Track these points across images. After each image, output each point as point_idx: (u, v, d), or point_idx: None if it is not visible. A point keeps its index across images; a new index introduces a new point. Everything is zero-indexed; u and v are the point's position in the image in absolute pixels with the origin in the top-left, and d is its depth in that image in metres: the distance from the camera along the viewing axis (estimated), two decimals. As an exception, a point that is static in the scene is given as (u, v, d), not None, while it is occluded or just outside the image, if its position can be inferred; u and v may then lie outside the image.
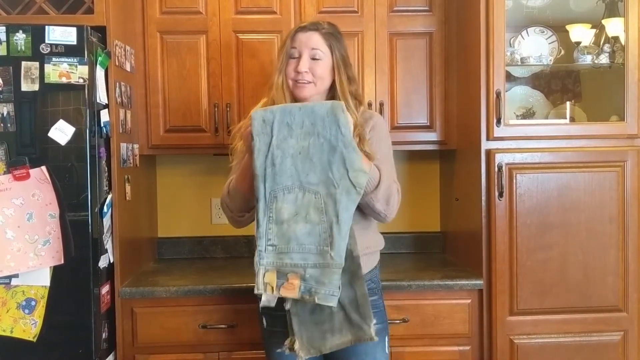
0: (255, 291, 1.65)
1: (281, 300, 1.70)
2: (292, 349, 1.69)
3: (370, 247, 1.89)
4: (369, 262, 1.88)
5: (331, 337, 1.70)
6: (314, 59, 1.83)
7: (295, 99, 1.87)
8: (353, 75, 1.90)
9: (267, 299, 1.66)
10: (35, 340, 2.01)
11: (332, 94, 1.88)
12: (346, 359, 1.82)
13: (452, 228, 2.73)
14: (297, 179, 1.65)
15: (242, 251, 2.78)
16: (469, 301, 2.28)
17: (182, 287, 2.23)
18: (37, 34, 1.98)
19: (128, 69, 2.36)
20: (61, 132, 1.99)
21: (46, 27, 1.99)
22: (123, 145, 2.27)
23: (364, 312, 1.69)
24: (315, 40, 1.83)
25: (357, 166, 1.64)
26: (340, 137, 1.63)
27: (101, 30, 2.14)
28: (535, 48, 2.55)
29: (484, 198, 2.28)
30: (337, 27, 1.90)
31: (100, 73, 2.08)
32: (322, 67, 1.83)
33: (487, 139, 2.28)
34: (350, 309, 1.69)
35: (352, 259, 1.68)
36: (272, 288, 1.64)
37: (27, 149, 1.99)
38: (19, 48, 1.98)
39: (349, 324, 1.70)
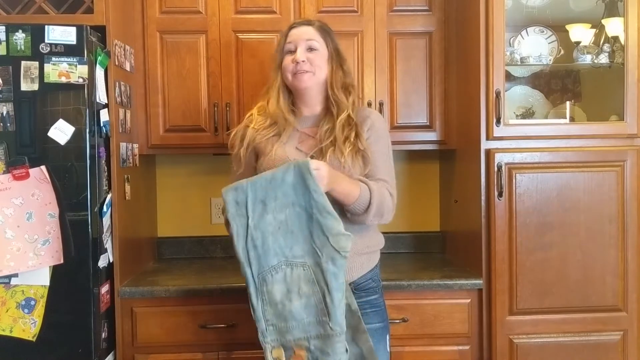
0: None
1: None
2: None
3: (371, 247, 1.89)
4: (369, 261, 1.89)
5: None
6: (310, 49, 1.85)
7: (294, 91, 1.88)
8: (348, 69, 1.92)
9: None
10: (34, 339, 2.01)
11: (326, 88, 1.89)
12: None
13: (452, 228, 2.73)
14: (282, 255, 1.66)
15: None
16: (469, 301, 2.28)
17: (181, 286, 2.23)
18: (36, 34, 1.98)
19: (128, 68, 2.36)
20: (61, 132, 1.99)
21: (46, 26, 1.99)
22: (123, 144, 2.27)
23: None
24: (310, 33, 1.86)
25: (336, 231, 1.63)
26: (313, 204, 1.62)
27: (101, 30, 2.14)
28: (535, 48, 2.55)
29: (483, 198, 2.28)
30: (327, 25, 1.93)
31: (99, 73, 2.08)
32: (320, 56, 1.85)
33: (487, 138, 2.28)
34: None
35: (351, 313, 1.69)
36: None
37: (27, 149, 2.00)
38: (19, 48, 1.98)
39: None
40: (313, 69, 1.84)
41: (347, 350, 1.65)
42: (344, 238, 1.63)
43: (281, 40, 1.90)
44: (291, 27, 1.90)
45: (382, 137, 1.90)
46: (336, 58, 1.89)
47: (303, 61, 1.83)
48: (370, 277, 1.87)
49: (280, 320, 1.66)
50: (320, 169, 1.65)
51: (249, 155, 1.90)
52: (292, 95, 1.92)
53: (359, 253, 1.83)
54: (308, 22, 1.90)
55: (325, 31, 1.89)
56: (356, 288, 1.84)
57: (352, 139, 1.81)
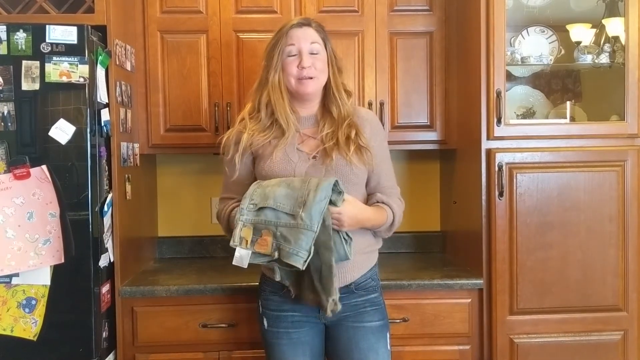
0: (231, 243, 1.70)
1: (280, 302, 1.78)
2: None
3: (370, 246, 1.90)
4: (368, 260, 1.90)
5: (305, 292, 1.76)
6: (312, 53, 1.83)
7: (295, 96, 1.87)
8: (341, 68, 1.93)
9: (240, 255, 1.69)
10: (35, 339, 2.01)
11: (325, 87, 1.89)
12: (349, 355, 1.83)
13: (452, 227, 2.73)
14: None
15: (242, 250, 2.78)
16: (469, 301, 2.28)
17: (182, 286, 2.23)
18: (37, 33, 1.98)
19: (128, 68, 2.36)
20: (62, 131, 1.99)
21: (47, 26, 1.99)
22: (123, 144, 2.27)
23: (325, 283, 1.71)
24: (312, 36, 1.84)
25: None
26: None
27: (102, 30, 2.14)
28: (536, 47, 2.55)
29: (484, 197, 2.28)
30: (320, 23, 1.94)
31: (100, 72, 2.08)
32: (322, 60, 1.85)
33: (488, 138, 2.28)
34: (314, 276, 1.72)
35: (324, 228, 1.69)
36: (247, 242, 1.69)
37: (28, 148, 2.00)
38: (20, 47, 1.98)
39: (312, 291, 1.74)
40: (317, 74, 1.83)
41: (310, 252, 1.65)
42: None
43: (280, 40, 1.84)
44: (292, 27, 1.84)
45: (383, 140, 1.94)
46: (334, 60, 1.89)
47: (309, 67, 1.81)
48: (370, 276, 1.88)
49: (262, 199, 1.70)
50: (341, 216, 1.71)
51: (245, 160, 1.88)
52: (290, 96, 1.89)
53: (359, 252, 1.83)
54: (307, 22, 1.87)
55: (323, 32, 1.88)
56: (356, 287, 1.85)
57: (353, 137, 1.82)
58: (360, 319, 1.85)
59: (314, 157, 1.82)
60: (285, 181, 1.73)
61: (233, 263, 1.70)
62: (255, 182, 1.79)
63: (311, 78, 1.82)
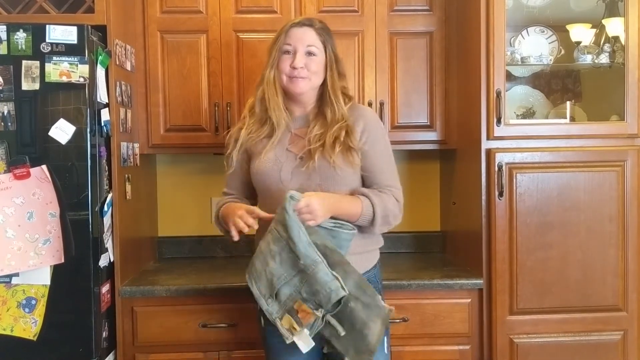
0: (288, 341, 1.67)
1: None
2: None
3: (367, 246, 1.88)
4: (366, 261, 1.88)
5: (369, 332, 1.68)
6: (309, 54, 1.83)
7: (289, 95, 1.87)
8: (343, 71, 1.91)
9: (302, 342, 1.66)
10: (35, 339, 2.01)
11: (322, 89, 1.88)
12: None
13: (452, 227, 2.73)
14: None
15: (243, 250, 2.76)
16: (469, 300, 2.28)
17: (182, 286, 2.23)
18: (37, 33, 1.98)
19: (128, 68, 2.36)
20: (62, 131, 1.99)
21: (47, 26, 1.99)
22: (123, 144, 2.27)
23: (370, 290, 1.70)
24: (310, 36, 1.83)
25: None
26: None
27: (102, 30, 2.14)
28: (536, 48, 2.55)
29: (484, 197, 2.28)
30: (326, 24, 1.91)
31: (100, 72, 2.08)
32: (317, 62, 1.83)
33: (488, 138, 2.28)
34: (359, 294, 1.68)
35: (330, 251, 1.68)
36: (295, 327, 1.66)
37: (28, 148, 2.00)
38: (20, 47, 1.98)
39: (368, 308, 1.68)
40: (310, 75, 1.83)
41: (334, 276, 1.63)
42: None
43: (280, 38, 1.85)
44: (292, 26, 1.85)
45: (379, 138, 1.89)
46: (334, 62, 1.87)
47: (301, 67, 1.81)
48: (368, 277, 1.85)
49: (271, 288, 1.68)
50: (310, 204, 1.67)
51: (240, 157, 1.92)
52: (284, 94, 1.89)
53: (354, 253, 1.81)
54: (310, 23, 1.86)
55: (325, 34, 1.86)
56: None
57: (342, 138, 1.80)
58: None
59: (301, 158, 1.82)
60: (262, 254, 1.70)
61: (305, 351, 1.68)
62: (247, 277, 1.75)
63: (302, 78, 1.82)
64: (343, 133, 1.80)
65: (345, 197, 1.79)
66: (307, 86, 1.84)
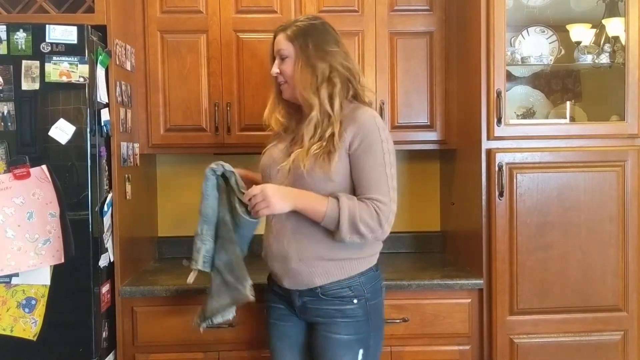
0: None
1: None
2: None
3: (338, 255, 1.78)
4: (340, 268, 1.79)
5: (211, 302, 1.93)
6: (281, 58, 1.84)
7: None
8: (324, 63, 1.79)
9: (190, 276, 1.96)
10: (35, 339, 2.01)
11: None
12: None
13: (452, 228, 2.73)
14: None
15: (242, 250, 2.78)
16: (469, 301, 2.28)
17: (182, 286, 2.22)
18: (37, 33, 1.98)
19: (128, 68, 2.36)
20: (61, 131, 1.99)
21: (47, 26, 1.99)
22: (123, 144, 2.27)
23: (238, 274, 1.87)
24: (280, 42, 1.84)
25: None
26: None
27: (102, 30, 2.14)
28: (536, 48, 2.55)
29: (484, 197, 2.28)
30: (316, 20, 1.87)
31: (100, 72, 2.08)
32: (290, 64, 1.82)
33: (488, 138, 2.28)
34: (225, 272, 1.85)
35: (223, 223, 1.84)
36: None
37: (28, 148, 1.99)
38: (20, 47, 1.98)
39: (226, 286, 1.89)
40: (287, 79, 1.84)
41: (203, 244, 1.89)
42: None
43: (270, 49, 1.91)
44: (273, 35, 1.88)
45: (372, 145, 1.74)
46: (302, 56, 1.79)
47: (277, 74, 1.84)
48: (347, 285, 1.78)
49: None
50: (263, 191, 1.72)
51: None
52: None
53: (318, 259, 1.77)
54: (282, 29, 1.84)
55: (297, 34, 1.80)
56: (323, 293, 1.79)
57: (324, 142, 1.74)
58: (329, 329, 1.79)
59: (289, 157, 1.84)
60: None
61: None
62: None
63: (282, 83, 1.85)
64: (328, 132, 1.75)
65: (310, 194, 1.73)
66: (289, 90, 1.85)
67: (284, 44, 1.83)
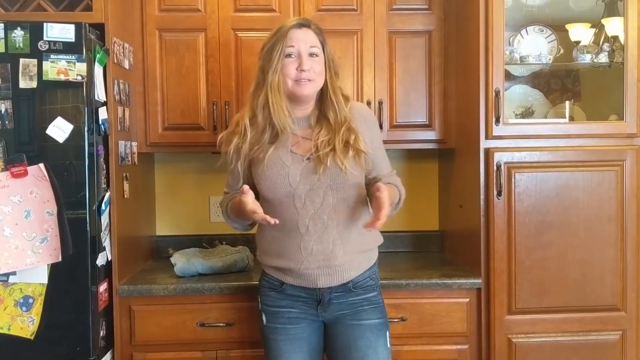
0: None
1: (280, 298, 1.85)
2: None
3: (368, 245, 1.91)
4: (367, 260, 1.90)
5: None
6: (311, 55, 1.81)
7: (291, 98, 1.83)
8: (338, 72, 1.90)
9: None
10: (32, 338, 2.00)
11: (321, 90, 1.86)
12: (348, 353, 1.83)
13: (451, 227, 2.73)
14: None
15: (241, 249, 2.78)
16: (467, 300, 2.28)
17: (180, 285, 2.22)
18: (35, 31, 1.97)
19: (126, 66, 2.35)
20: (59, 130, 1.99)
21: (44, 24, 1.98)
22: (121, 142, 2.27)
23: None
24: (311, 37, 1.82)
25: None
26: None
27: (100, 28, 2.14)
28: (535, 47, 2.54)
29: (482, 197, 2.28)
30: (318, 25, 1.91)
31: (98, 70, 2.08)
32: (319, 63, 1.82)
33: (486, 137, 2.28)
34: None
35: None
36: None
37: (25, 146, 1.99)
38: (17, 45, 1.97)
39: None
40: (315, 76, 1.81)
41: None
42: None
43: (280, 42, 1.80)
44: (291, 28, 1.81)
45: (376, 131, 1.96)
46: (332, 63, 1.86)
47: (308, 70, 1.79)
48: (369, 275, 1.88)
49: None
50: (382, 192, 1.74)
51: (245, 168, 1.88)
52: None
53: (357, 252, 1.84)
54: (307, 24, 1.84)
55: (321, 35, 1.86)
56: (354, 286, 1.85)
57: (352, 142, 1.81)
58: (358, 317, 1.85)
59: (308, 159, 1.81)
60: None
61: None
62: None
63: (310, 80, 1.80)
64: (352, 137, 1.81)
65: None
66: (313, 88, 1.83)
67: (316, 42, 1.82)
